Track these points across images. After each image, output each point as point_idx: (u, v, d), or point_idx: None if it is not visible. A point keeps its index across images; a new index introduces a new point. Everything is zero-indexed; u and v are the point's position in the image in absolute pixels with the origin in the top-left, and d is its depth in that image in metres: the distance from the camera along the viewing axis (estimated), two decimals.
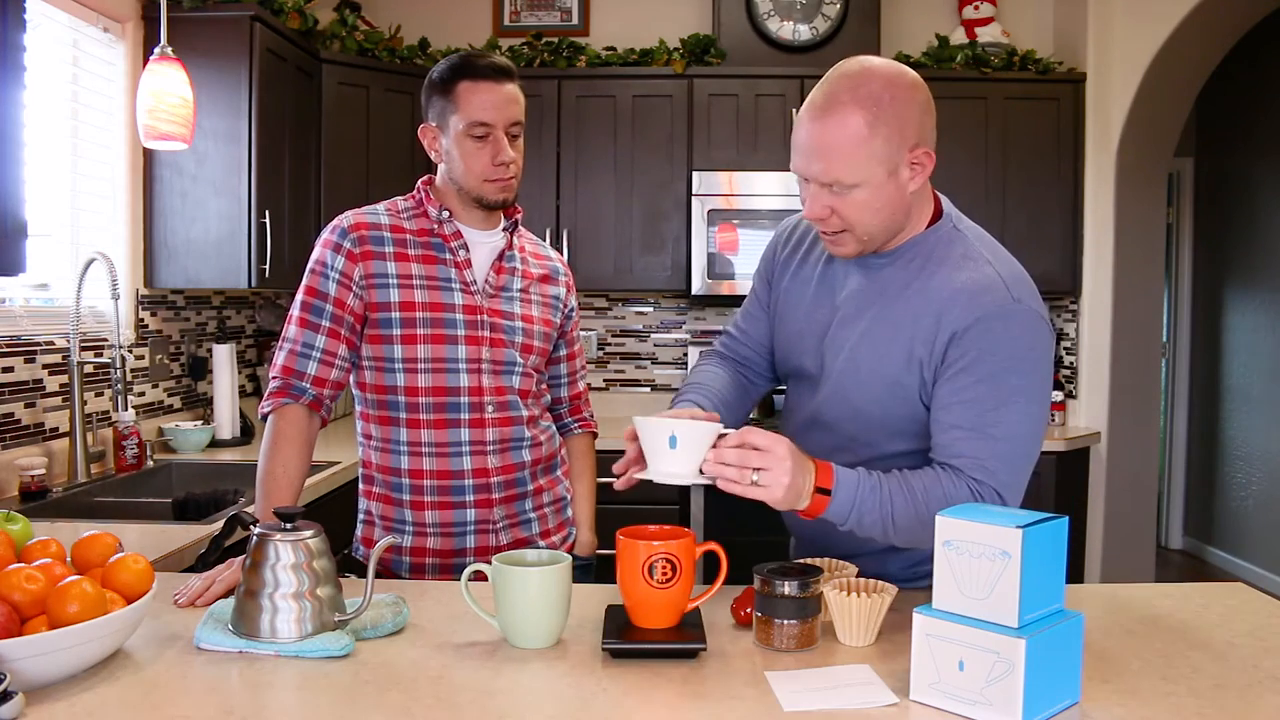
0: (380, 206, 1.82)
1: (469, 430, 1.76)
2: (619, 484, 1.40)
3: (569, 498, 1.96)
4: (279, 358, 1.73)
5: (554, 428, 1.94)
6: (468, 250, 1.79)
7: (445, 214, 1.78)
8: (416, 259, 1.76)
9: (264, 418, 1.73)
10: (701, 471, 1.29)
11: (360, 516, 1.87)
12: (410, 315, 1.73)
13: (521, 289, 1.84)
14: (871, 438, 1.50)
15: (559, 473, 1.93)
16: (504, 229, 1.85)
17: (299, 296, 1.75)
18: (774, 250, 1.69)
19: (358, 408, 1.85)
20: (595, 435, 2.10)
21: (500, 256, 1.82)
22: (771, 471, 1.27)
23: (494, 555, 1.35)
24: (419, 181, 1.83)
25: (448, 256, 1.78)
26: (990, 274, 1.42)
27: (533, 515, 1.85)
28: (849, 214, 1.40)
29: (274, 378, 1.73)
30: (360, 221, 1.77)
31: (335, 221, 1.78)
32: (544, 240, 2.06)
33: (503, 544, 1.79)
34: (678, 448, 1.27)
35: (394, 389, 1.75)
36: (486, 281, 1.80)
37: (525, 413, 1.82)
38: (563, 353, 1.98)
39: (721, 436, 1.30)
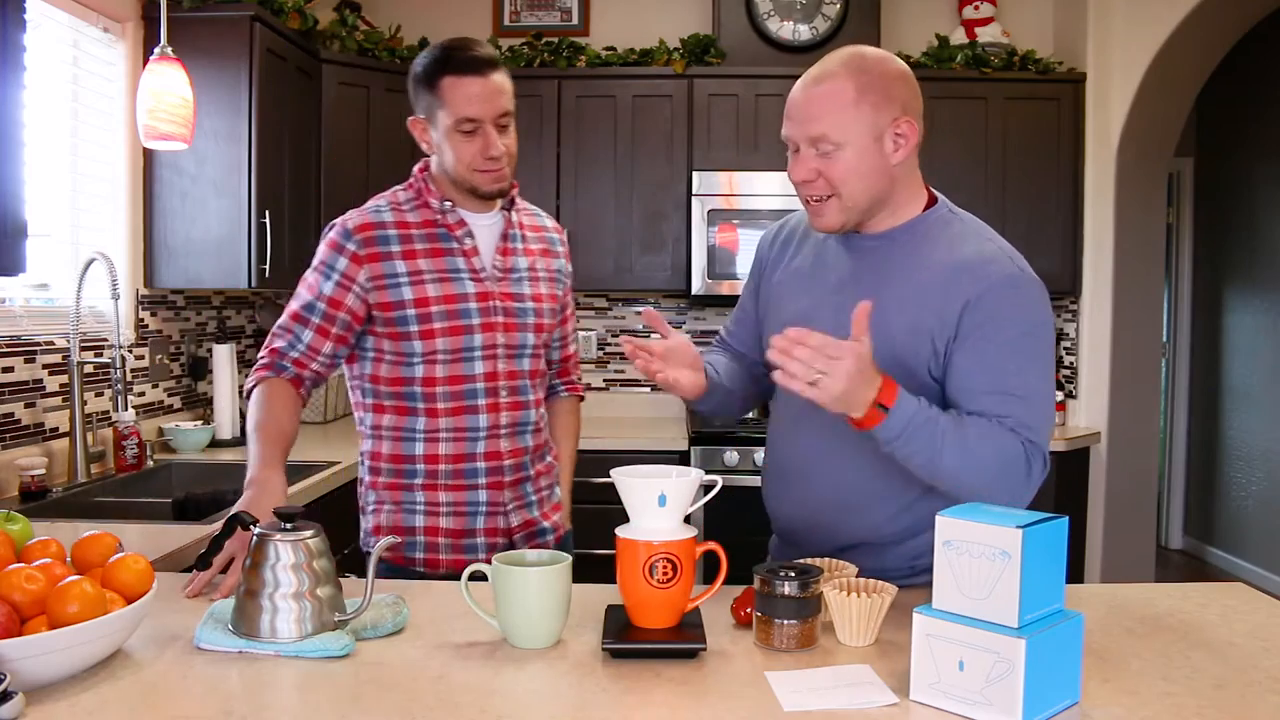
0: (382, 202, 1.82)
1: (486, 416, 1.79)
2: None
3: (557, 478, 1.98)
4: (269, 341, 1.78)
5: (545, 413, 1.95)
6: (473, 238, 1.80)
7: (447, 204, 1.79)
8: (424, 253, 1.77)
9: (248, 394, 1.76)
10: (687, 520, 1.31)
11: (369, 508, 1.87)
12: (426, 310, 1.74)
13: (529, 268, 1.86)
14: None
15: (549, 458, 1.95)
16: (502, 207, 1.86)
17: (299, 289, 1.79)
18: (762, 251, 1.73)
19: (365, 400, 1.84)
20: (581, 399, 2.11)
21: (504, 237, 1.83)
22: (830, 377, 1.29)
23: (495, 555, 1.35)
24: (416, 169, 1.84)
25: (454, 245, 1.79)
26: (993, 248, 1.49)
27: (534, 498, 1.88)
28: (835, 176, 1.45)
29: (260, 358, 1.78)
30: (365, 222, 1.77)
31: (340, 221, 1.78)
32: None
33: (514, 525, 1.83)
34: (667, 505, 1.27)
35: (411, 380, 1.77)
36: (494, 266, 1.81)
37: (532, 396, 1.86)
38: (566, 313, 2.00)
39: (707, 488, 1.32)
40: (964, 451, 1.38)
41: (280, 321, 1.79)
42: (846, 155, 1.44)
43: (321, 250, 1.78)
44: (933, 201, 1.55)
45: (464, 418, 1.77)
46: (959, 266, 1.45)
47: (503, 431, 1.80)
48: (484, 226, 1.82)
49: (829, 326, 1.47)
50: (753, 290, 1.74)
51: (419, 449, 1.79)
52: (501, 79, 1.74)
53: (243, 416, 3.26)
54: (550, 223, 1.98)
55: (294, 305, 1.78)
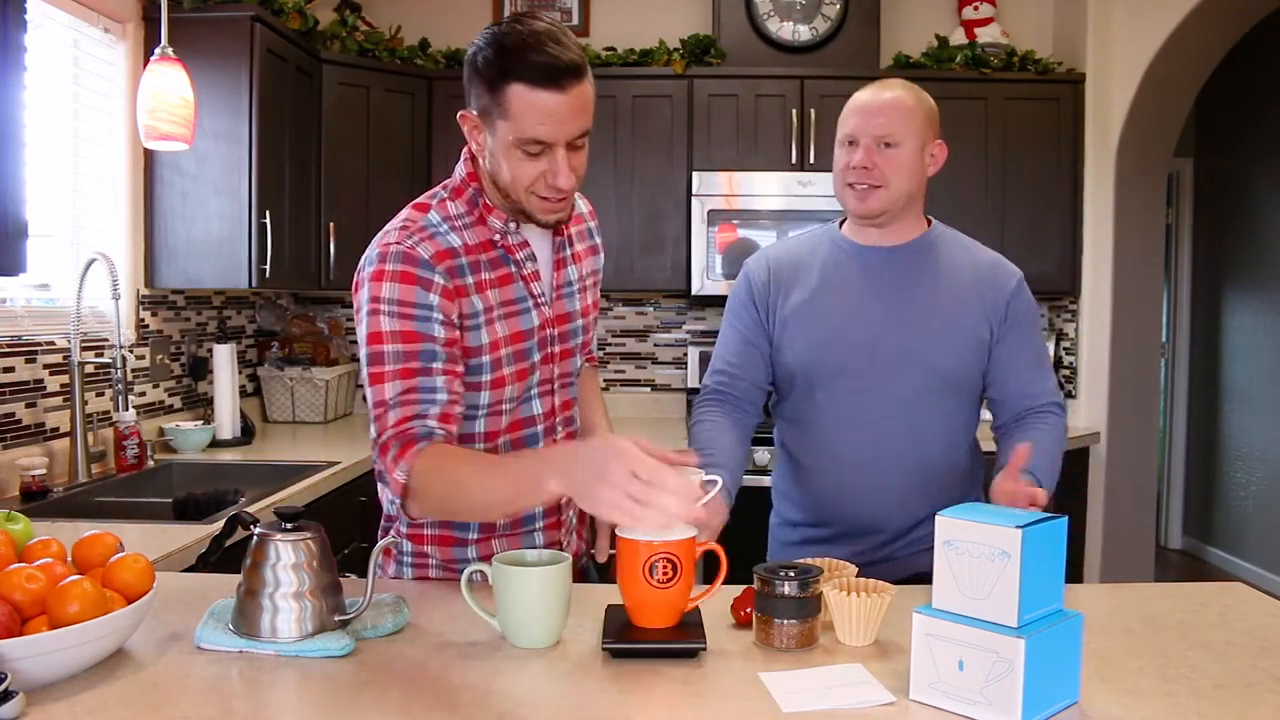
0: (434, 216, 1.48)
1: None
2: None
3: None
4: (387, 417, 1.39)
5: None
6: (535, 260, 1.52)
7: (512, 226, 1.50)
8: (490, 283, 1.48)
9: (402, 493, 1.37)
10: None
11: (407, 559, 1.61)
12: (497, 355, 1.48)
13: (578, 278, 1.61)
14: (933, 397, 1.77)
15: None
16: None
17: (387, 345, 1.40)
18: (756, 287, 1.87)
19: None
20: (596, 367, 1.90)
21: (557, 248, 1.58)
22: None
23: (495, 555, 1.35)
24: (464, 171, 1.51)
25: (513, 269, 1.51)
26: (993, 252, 1.87)
27: (574, 524, 1.68)
28: (889, 169, 1.73)
29: (386, 442, 1.38)
30: (440, 250, 1.44)
31: (405, 249, 1.42)
32: None
33: None
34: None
35: (471, 435, 1.52)
36: (550, 285, 1.56)
37: (579, 424, 1.68)
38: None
39: (707, 483, 1.32)
40: (1057, 455, 1.80)
41: (387, 395, 1.39)
42: (902, 152, 1.73)
43: (395, 289, 1.40)
44: (929, 222, 1.85)
45: None
46: (989, 266, 1.82)
47: None
48: (537, 239, 1.54)
49: (874, 326, 1.76)
50: (755, 321, 1.86)
51: None
52: (584, 91, 1.38)
53: (244, 417, 3.31)
54: (585, 207, 1.70)
55: (396, 364, 1.39)
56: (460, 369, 1.44)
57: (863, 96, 1.77)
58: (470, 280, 1.45)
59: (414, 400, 1.39)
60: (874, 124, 1.73)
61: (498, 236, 1.50)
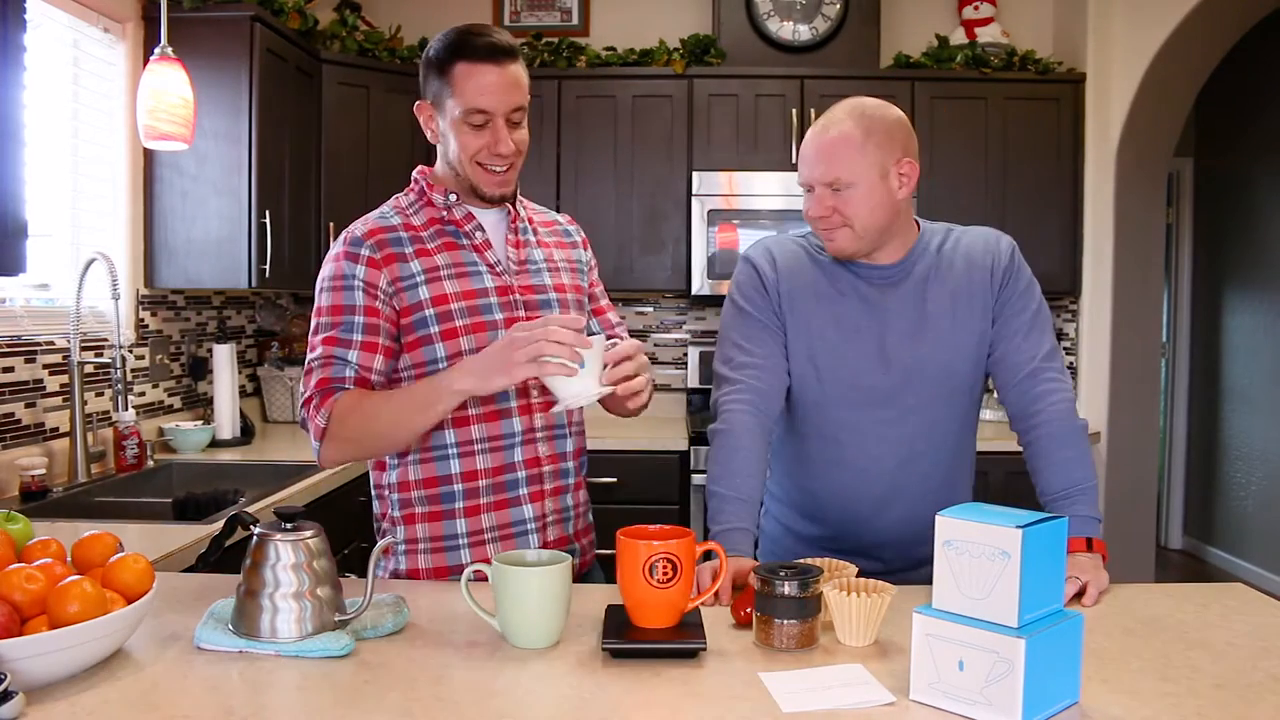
0: (386, 208, 1.73)
1: (519, 419, 1.67)
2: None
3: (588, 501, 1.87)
4: (311, 378, 1.61)
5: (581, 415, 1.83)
6: (484, 231, 1.71)
7: (453, 198, 1.69)
8: (437, 249, 1.67)
9: (320, 436, 1.59)
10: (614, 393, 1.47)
11: (400, 548, 1.70)
12: (445, 308, 1.64)
13: (545, 259, 1.76)
14: (949, 403, 1.75)
15: (584, 472, 1.84)
16: (506, 203, 1.75)
17: (321, 318, 1.64)
18: (764, 276, 1.79)
19: None
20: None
21: (513, 230, 1.74)
22: (1100, 588, 1.55)
23: (496, 555, 1.35)
24: (415, 172, 1.76)
25: (465, 241, 1.69)
26: (977, 228, 1.81)
27: (572, 513, 1.76)
28: (848, 210, 1.65)
29: (308, 397, 1.60)
30: (373, 228, 1.67)
31: (345, 233, 1.68)
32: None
33: (550, 541, 1.70)
34: (586, 367, 1.41)
35: None
36: (508, 259, 1.71)
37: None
38: (601, 304, 1.92)
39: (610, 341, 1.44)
40: (1085, 458, 1.70)
41: (312, 357, 1.62)
42: (858, 192, 1.64)
43: (332, 267, 1.65)
44: (918, 225, 1.79)
45: (498, 424, 1.66)
46: (978, 247, 1.75)
47: (539, 435, 1.68)
48: (491, 220, 1.73)
49: (882, 341, 1.72)
50: (770, 308, 1.76)
51: (455, 466, 1.66)
52: (518, 70, 1.64)
53: (244, 416, 3.31)
54: (561, 216, 1.89)
55: (321, 335, 1.63)
56: (380, 341, 1.63)
57: (809, 138, 1.70)
58: (409, 249, 1.66)
59: (332, 363, 1.61)
60: (819, 171, 1.67)
61: (444, 214, 1.70)
